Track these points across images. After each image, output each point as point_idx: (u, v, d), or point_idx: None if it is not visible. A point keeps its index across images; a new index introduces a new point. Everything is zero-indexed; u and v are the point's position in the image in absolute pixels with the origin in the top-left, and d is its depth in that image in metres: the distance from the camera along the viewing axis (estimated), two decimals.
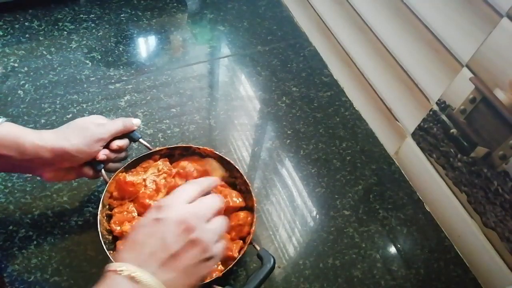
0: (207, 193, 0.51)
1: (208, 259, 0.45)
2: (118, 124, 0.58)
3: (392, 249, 0.69)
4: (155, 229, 0.44)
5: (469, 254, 0.69)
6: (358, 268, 0.66)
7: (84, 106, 0.77)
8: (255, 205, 0.61)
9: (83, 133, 0.55)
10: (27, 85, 0.78)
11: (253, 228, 0.59)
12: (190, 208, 0.46)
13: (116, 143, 0.58)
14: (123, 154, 0.62)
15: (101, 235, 0.55)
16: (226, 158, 0.64)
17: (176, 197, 0.48)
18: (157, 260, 0.42)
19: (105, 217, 0.59)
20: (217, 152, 0.65)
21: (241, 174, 0.63)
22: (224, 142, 0.78)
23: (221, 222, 0.48)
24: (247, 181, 0.62)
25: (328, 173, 0.76)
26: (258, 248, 0.58)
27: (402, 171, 0.79)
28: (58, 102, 0.77)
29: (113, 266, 0.42)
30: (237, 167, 0.64)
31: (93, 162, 0.57)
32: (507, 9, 0.53)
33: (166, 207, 0.46)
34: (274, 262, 0.56)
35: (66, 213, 0.64)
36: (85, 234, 0.63)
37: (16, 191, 0.65)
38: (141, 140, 0.62)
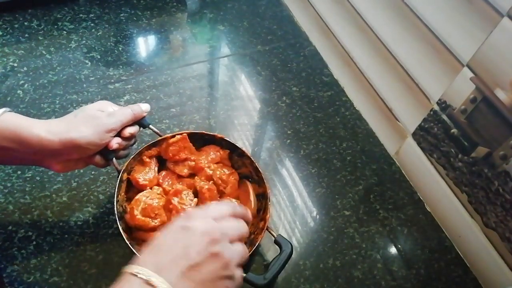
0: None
1: (227, 277, 0.44)
2: (127, 112, 0.56)
3: (393, 250, 0.69)
4: (181, 236, 0.43)
5: (469, 255, 0.69)
6: (359, 268, 0.66)
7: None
8: (268, 191, 0.62)
9: (93, 123, 0.52)
10: (26, 85, 0.78)
11: (268, 215, 0.60)
12: (217, 223, 0.45)
13: (128, 131, 0.56)
14: (133, 141, 0.60)
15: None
16: (237, 145, 0.65)
17: (205, 211, 0.47)
18: (177, 268, 0.41)
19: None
20: (227, 139, 0.66)
21: (251, 160, 0.64)
22: None
23: (243, 248, 0.47)
24: (259, 168, 0.63)
25: (329, 173, 0.76)
26: (274, 234, 0.59)
27: (403, 171, 0.79)
28: (57, 102, 0.77)
29: (132, 268, 0.40)
30: (248, 153, 0.65)
31: (104, 151, 0.56)
32: (507, 8, 0.53)
33: (195, 217, 0.45)
34: (292, 248, 0.57)
35: (65, 213, 0.64)
36: (85, 234, 0.62)
37: (15, 191, 0.65)
38: (151, 126, 0.61)
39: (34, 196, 0.65)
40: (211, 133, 0.67)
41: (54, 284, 0.58)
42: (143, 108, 0.59)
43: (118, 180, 0.59)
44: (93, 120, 0.53)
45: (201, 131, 0.66)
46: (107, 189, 0.67)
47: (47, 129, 0.50)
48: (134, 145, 0.62)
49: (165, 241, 0.43)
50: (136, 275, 0.39)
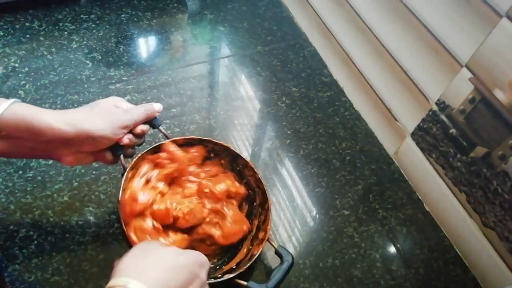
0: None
1: None
2: (141, 112, 0.56)
3: (392, 249, 0.69)
4: (166, 254, 0.46)
5: (468, 254, 0.69)
6: (358, 267, 0.66)
7: None
8: (270, 203, 0.62)
9: (109, 118, 0.53)
10: (27, 85, 0.78)
11: (269, 226, 0.60)
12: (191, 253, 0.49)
13: (140, 128, 0.57)
14: (142, 140, 0.60)
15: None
16: (242, 155, 0.65)
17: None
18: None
19: None
20: (232, 149, 0.66)
21: (254, 171, 0.64)
22: (224, 142, 0.77)
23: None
24: (261, 180, 0.64)
25: (328, 173, 0.76)
26: (275, 245, 0.59)
27: (402, 171, 0.79)
28: (58, 102, 0.77)
29: (120, 281, 0.41)
30: (251, 164, 0.65)
31: (113, 147, 0.55)
32: (506, 9, 0.53)
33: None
34: (293, 259, 0.58)
35: (66, 212, 0.64)
36: (86, 234, 0.63)
37: (16, 191, 0.65)
38: (160, 127, 0.61)
39: (36, 196, 0.65)
40: (218, 141, 0.66)
41: (55, 283, 0.58)
42: (156, 108, 0.59)
43: (124, 179, 0.58)
44: (109, 115, 0.53)
45: (209, 139, 0.66)
46: (108, 189, 0.68)
47: (61, 119, 0.49)
48: (141, 145, 0.61)
49: (151, 256, 0.45)
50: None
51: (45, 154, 0.53)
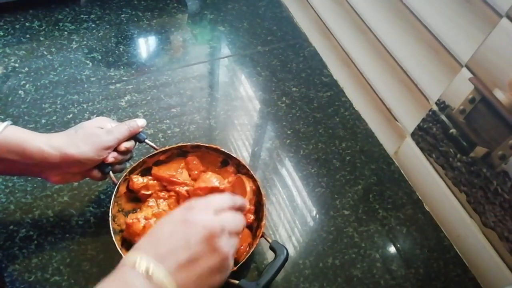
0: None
1: (223, 270, 0.45)
2: (124, 129, 0.59)
3: (392, 249, 0.69)
4: (181, 229, 0.44)
5: (468, 254, 0.69)
6: (358, 267, 0.66)
7: (85, 106, 0.77)
8: (264, 199, 0.62)
9: (92, 140, 0.55)
10: (27, 85, 0.79)
11: (263, 222, 0.60)
12: (217, 217, 0.46)
13: (124, 145, 0.59)
14: (129, 155, 0.62)
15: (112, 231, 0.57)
16: (233, 155, 0.66)
17: (207, 203, 0.47)
18: (176, 259, 0.41)
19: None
20: (223, 149, 0.66)
21: (247, 169, 0.65)
22: (224, 142, 0.78)
23: (237, 241, 0.48)
24: (255, 177, 0.64)
25: (328, 173, 0.76)
26: (269, 240, 0.59)
27: (402, 171, 0.79)
28: (58, 102, 0.77)
29: (130, 258, 0.41)
30: (244, 163, 0.65)
31: (101, 165, 0.58)
32: (506, 9, 0.53)
33: (196, 210, 0.46)
34: (287, 253, 0.57)
35: (66, 213, 0.65)
36: (86, 234, 0.63)
37: (16, 191, 0.65)
38: (146, 141, 0.63)
39: (36, 196, 0.65)
40: (208, 145, 0.66)
41: (55, 283, 0.58)
42: (139, 123, 0.61)
43: (114, 193, 0.60)
44: (92, 138, 0.55)
45: (198, 143, 0.67)
46: (108, 189, 0.68)
47: (49, 143, 0.52)
48: (130, 159, 0.64)
49: (165, 231, 0.44)
50: (135, 267, 0.40)
51: (34, 174, 0.56)
